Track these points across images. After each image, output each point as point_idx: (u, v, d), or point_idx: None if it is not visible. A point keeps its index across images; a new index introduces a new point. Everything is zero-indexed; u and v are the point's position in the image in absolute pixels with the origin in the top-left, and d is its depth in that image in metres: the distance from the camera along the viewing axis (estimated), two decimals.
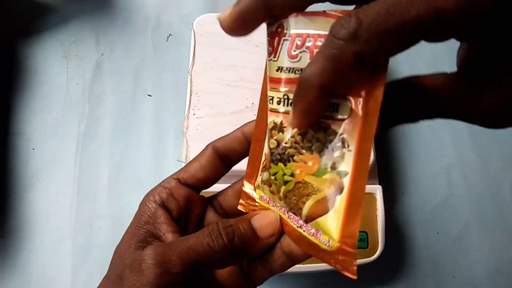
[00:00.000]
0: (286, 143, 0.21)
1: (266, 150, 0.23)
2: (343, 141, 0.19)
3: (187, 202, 0.25)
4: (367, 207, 0.40)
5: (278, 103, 0.21)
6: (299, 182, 0.21)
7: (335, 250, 0.19)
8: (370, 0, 0.16)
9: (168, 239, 0.23)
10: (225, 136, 0.26)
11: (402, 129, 0.50)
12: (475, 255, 0.45)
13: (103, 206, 0.47)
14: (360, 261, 0.38)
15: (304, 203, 0.20)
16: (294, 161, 0.21)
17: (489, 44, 0.18)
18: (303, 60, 0.19)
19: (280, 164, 0.21)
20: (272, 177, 0.22)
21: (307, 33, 0.19)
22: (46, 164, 0.49)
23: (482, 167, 0.48)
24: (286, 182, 0.21)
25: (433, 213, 0.46)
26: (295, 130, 0.21)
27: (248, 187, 0.25)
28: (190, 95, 0.44)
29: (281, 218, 0.23)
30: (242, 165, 0.26)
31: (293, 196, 0.21)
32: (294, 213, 0.21)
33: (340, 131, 0.19)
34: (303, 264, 0.38)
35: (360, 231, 0.39)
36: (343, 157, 0.19)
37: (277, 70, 0.20)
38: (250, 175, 0.24)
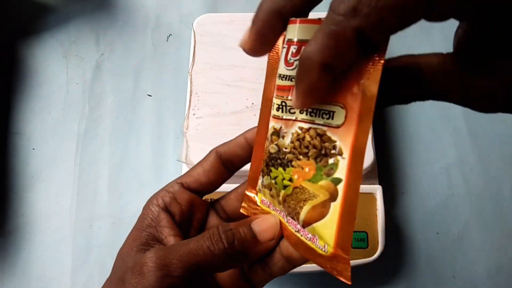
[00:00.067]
0: (286, 148, 0.21)
1: (264, 154, 0.23)
2: (337, 148, 0.20)
3: (190, 206, 0.26)
4: (367, 207, 0.40)
5: (278, 109, 0.21)
6: (296, 187, 0.21)
7: (330, 256, 0.20)
8: None
9: (169, 242, 0.23)
10: (228, 142, 0.26)
11: (402, 129, 0.50)
12: (475, 255, 0.45)
13: (103, 206, 0.47)
14: (360, 261, 0.38)
15: (301, 208, 0.21)
16: (292, 166, 0.21)
17: (489, 25, 0.17)
18: None
19: (280, 169, 0.22)
20: (273, 181, 0.22)
21: (302, 41, 0.19)
22: (46, 164, 0.49)
23: (482, 167, 0.48)
24: (285, 187, 0.21)
25: (433, 213, 0.46)
26: (294, 135, 0.21)
27: (250, 191, 0.25)
28: (190, 95, 0.44)
29: (280, 222, 0.23)
30: (248, 167, 0.26)
31: (292, 200, 0.21)
32: (292, 218, 0.22)
33: (334, 138, 0.20)
34: (304, 264, 0.38)
35: (360, 231, 0.39)
36: (337, 165, 0.20)
37: (278, 78, 0.21)
38: (252, 179, 0.25)
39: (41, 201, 0.47)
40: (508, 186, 0.47)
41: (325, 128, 0.20)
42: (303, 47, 0.19)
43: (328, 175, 0.20)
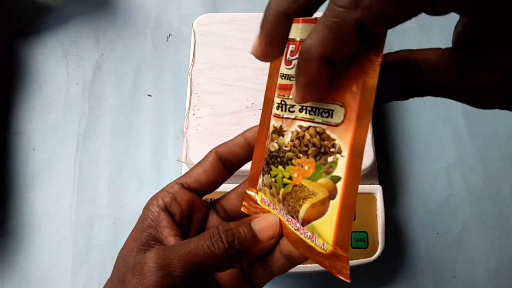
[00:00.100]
0: (286, 146, 0.21)
1: (265, 153, 0.23)
2: (336, 147, 0.20)
3: (190, 206, 0.26)
4: (367, 207, 0.40)
5: (277, 108, 0.21)
6: (296, 185, 0.21)
7: (329, 254, 0.20)
8: None
9: (170, 242, 0.23)
10: (227, 142, 0.26)
11: (402, 129, 0.50)
12: (475, 255, 0.45)
13: (103, 206, 0.47)
14: (360, 261, 0.38)
15: (300, 206, 0.21)
16: (292, 164, 0.21)
17: (488, 19, 0.17)
18: None
19: (280, 167, 0.22)
20: (273, 179, 0.22)
21: (300, 40, 0.19)
22: (46, 164, 0.49)
23: (482, 167, 0.48)
24: (285, 185, 0.22)
25: (433, 213, 0.46)
26: (294, 133, 0.21)
27: (251, 190, 0.25)
28: (190, 95, 0.44)
29: (280, 221, 0.23)
30: (247, 167, 0.26)
31: (291, 198, 0.21)
32: (292, 216, 0.22)
33: (334, 136, 0.20)
34: (303, 264, 0.38)
35: (360, 231, 0.39)
36: (337, 163, 0.20)
37: (280, 77, 0.21)
38: (253, 178, 0.25)
39: (41, 201, 0.47)
40: (508, 186, 0.47)
41: (324, 127, 0.20)
42: (300, 46, 0.19)
43: (327, 173, 0.20)
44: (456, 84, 0.18)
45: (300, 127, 0.21)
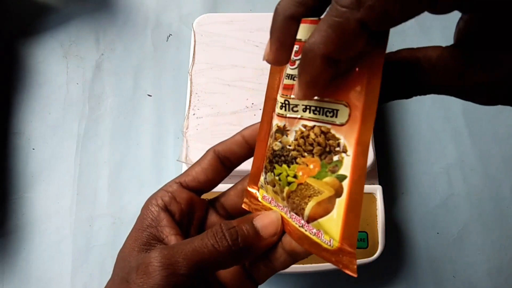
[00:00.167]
0: (290, 145, 0.22)
1: (267, 152, 0.23)
2: (341, 146, 0.20)
3: (189, 205, 0.26)
4: (367, 207, 0.40)
5: (281, 107, 0.22)
6: (301, 184, 0.21)
7: (336, 250, 0.20)
8: None
9: (171, 241, 0.23)
10: (225, 140, 0.26)
11: (402, 129, 0.50)
12: (475, 255, 0.45)
13: (103, 206, 0.47)
14: (360, 261, 0.38)
15: (306, 204, 0.21)
16: (297, 163, 0.21)
17: (490, 17, 0.18)
18: None
19: (284, 166, 0.22)
20: (276, 178, 0.22)
21: (303, 41, 0.19)
22: (46, 164, 0.49)
23: (482, 167, 0.48)
24: (289, 183, 0.22)
25: (433, 213, 0.46)
26: (298, 133, 0.21)
27: (252, 187, 0.25)
28: (190, 95, 0.44)
29: (282, 217, 0.23)
30: (244, 166, 0.27)
31: (296, 196, 0.22)
32: (296, 213, 0.22)
33: (339, 135, 0.20)
34: (303, 264, 0.38)
35: (360, 231, 0.39)
36: (342, 162, 0.20)
37: (286, 77, 0.21)
38: (254, 175, 0.25)
39: (41, 201, 0.47)
40: (508, 186, 0.47)
41: (329, 126, 0.20)
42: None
43: (333, 172, 0.20)
44: (457, 82, 0.18)
45: (305, 126, 0.21)
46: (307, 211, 0.21)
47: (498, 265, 0.44)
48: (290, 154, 0.22)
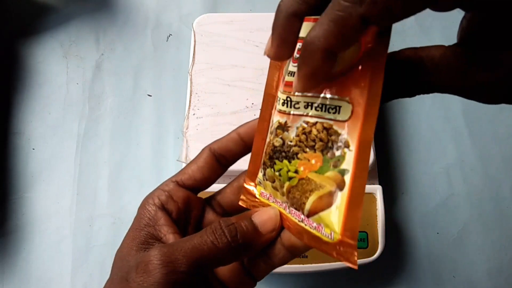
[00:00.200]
0: (291, 141, 0.22)
1: (266, 148, 0.23)
2: (344, 141, 0.20)
3: (186, 204, 0.26)
4: (367, 207, 0.40)
5: (283, 104, 0.22)
6: (302, 179, 0.21)
7: (337, 242, 0.20)
8: None
9: (169, 240, 0.23)
10: (221, 138, 0.27)
11: (402, 129, 0.50)
12: (475, 255, 0.45)
13: (103, 206, 0.47)
14: (360, 261, 0.38)
15: (307, 198, 0.21)
16: (298, 158, 0.22)
17: (493, 16, 0.18)
18: None
19: (285, 161, 0.22)
20: (277, 173, 0.23)
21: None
22: (46, 164, 0.49)
23: (482, 167, 0.48)
24: (290, 178, 0.22)
25: (433, 213, 0.46)
26: (299, 129, 0.21)
27: (249, 184, 0.25)
28: (190, 95, 0.44)
29: (281, 213, 0.23)
30: (238, 165, 0.27)
31: (297, 191, 0.22)
32: (296, 208, 0.22)
33: (341, 131, 0.20)
34: (303, 264, 0.38)
35: (360, 231, 0.39)
36: (344, 157, 0.20)
37: (288, 74, 0.22)
38: (251, 172, 0.25)
39: (41, 201, 0.47)
40: (508, 186, 0.47)
41: (331, 122, 0.21)
42: None
43: (335, 166, 0.20)
44: (459, 81, 0.19)
45: (306, 122, 0.21)
46: (308, 205, 0.21)
47: (498, 265, 0.44)
48: (291, 150, 0.22)
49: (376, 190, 0.40)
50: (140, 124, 0.51)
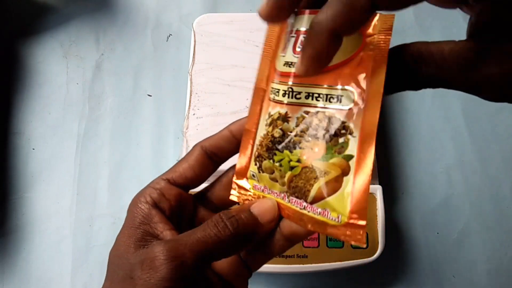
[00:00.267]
0: (291, 131, 0.22)
1: (262, 140, 0.24)
2: (347, 129, 0.21)
3: (178, 201, 0.26)
4: None
5: (284, 95, 0.22)
6: (306, 167, 0.22)
7: (345, 224, 0.21)
8: None
9: (167, 236, 0.23)
10: (212, 135, 0.27)
11: (402, 129, 0.50)
12: (475, 255, 0.45)
13: (103, 206, 0.47)
14: (360, 261, 0.38)
15: (311, 185, 0.22)
16: (300, 148, 0.22)
17: (503, 9, 0.18)
18: None
19: (286, 152, 0.22)
20: (277, 164, 0.23)
21: (305, 30, 0.20)
22: (46, 164, 0.49)
23: (482, 167, 0.48)
24: (292, 168, 0.22)
25: (433, 213, 0.46)
26: (300, 119, 0.22)
27: (239, 179, 0.25)
28: (190, 95, 0.44)
29: (278, 203, 0.24)
30: (229, 162, 0.27)
31: (300, 180, 0.22)
32: (298, 197, 0.22)
33: (344, 119, 0.21)
34: (303, 264, 0.38)
35: None
36: (348, 143, 0.21)
37: (284, 65, 0.22)
38: (242, 166, 0.25)
39: (41, 201, 0.47)
40: (508, 186, 0.47)
41: (333, 111, 0.21)
42: None
43: (339, 153, 0.21)
44: (468, 76, 0.19)
45: (307, 112, 0.22)
46: (313, 192, 0.22)
47: (498, 265, 0.44)
48: (292, 140, 0.22)
49: (376, 190, 0.40)
50: (140, 124, 0.51)
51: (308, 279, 0.44)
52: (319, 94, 0.21)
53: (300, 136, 0.22)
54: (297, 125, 0.22)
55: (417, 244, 0.45)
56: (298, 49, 0.21)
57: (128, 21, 0.56)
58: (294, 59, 0.21)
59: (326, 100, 0.21)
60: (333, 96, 0.21)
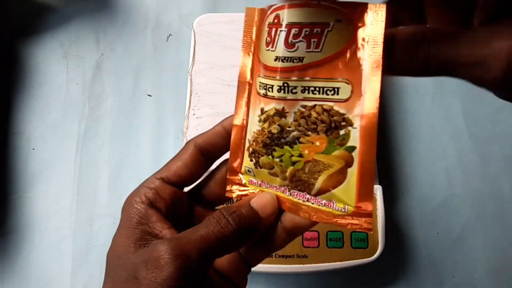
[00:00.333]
0: (289, 127, 0.22)
1: (258, 136, 0.24)
2: (347, 120, 0.21)
3: (174, 200, 0.25)
4: None
5: (279, 90, 0.22)
6: (308, 161, 0.22)
7: (351, 213, 0.21)
8: None
9: (166, 235, 0.23)
10: (205, 132, 0.26)
11: (402, 129, 0.50)
12: (475, 255, 0.45)
13: (103, 206, 0.47)
14: (360, 261, 0.38)
15: (316, 179, 0.22)
16: (300, 142, 0.22)
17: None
18: (300, 49, 0.21)
19: (286, 147, 0.22)
20: (277, 160, 0.23)
21: (303, 24, 0.20)
22: (46, 164, 0.49)
23: (482, 167, 0.48)
24: (294, 163, 0.22)
25: (433, 213, 0.46)
26: (298, 114, 0.22)
27: (233, 175, 0.25)
28: (190, 95, 0.44)
29: (278, 197, 0.24)
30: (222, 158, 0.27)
31: (303, 174, 0.22)
32: (300, 190, 0.23)
33: (343, 111, 0.21)
34: (303, 264, 0.38)
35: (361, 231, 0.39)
36: (349, 134, 0.21)
37: (275, 60, 0.22)
38: (234, 162, 0.25)
39: (41, 201, 0.47)
40: (508, 186, 0.47)
41: (331, 104, 0.21)
42: (303, 29, 0.20)
43: (341, 145, 0.21)
44: (464, 55, 0.18)
45: (304, 106, 0.22)
46: (318, 184, 0.22)
47: (498, 265, 0.44)
48: (291, 135, 0.22)
49: (376, 190, 0.40)
50: (140, 124, 0.51)
51: (308, 279, 0.44)
52: (315, 87, 0.21)
53: (299, 131, 0.22)
54: (295, 120, 0.22)
55: (417, 244, 0.45)
56: (291, 43, 0.21)
57: (128, 21, 0.56)
58: (288, 53, 0.21)
59: (323, 93, 0.21)
60: (330, 88, 0.21)
